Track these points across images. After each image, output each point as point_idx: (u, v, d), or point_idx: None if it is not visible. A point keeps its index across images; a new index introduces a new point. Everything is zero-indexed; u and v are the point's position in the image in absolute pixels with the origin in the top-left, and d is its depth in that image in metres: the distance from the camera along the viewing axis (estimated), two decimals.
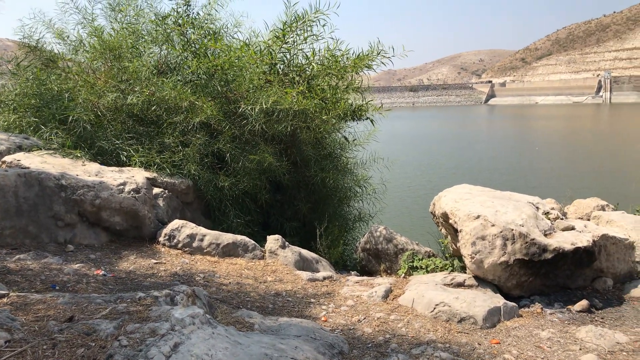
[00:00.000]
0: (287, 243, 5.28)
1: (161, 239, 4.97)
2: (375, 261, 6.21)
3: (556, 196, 6.97)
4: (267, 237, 5.30)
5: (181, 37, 6.31)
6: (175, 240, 4.95)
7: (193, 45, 6.30)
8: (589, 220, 6.28)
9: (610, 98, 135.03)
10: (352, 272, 5.95)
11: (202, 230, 5.06)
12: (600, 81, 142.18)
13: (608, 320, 4.02)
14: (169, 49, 6.81)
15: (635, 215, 6.47)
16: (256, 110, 5.66)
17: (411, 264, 5.59)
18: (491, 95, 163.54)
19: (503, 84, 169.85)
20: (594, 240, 4.43)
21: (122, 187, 4.97)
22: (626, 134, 50.09)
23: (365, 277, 5.04)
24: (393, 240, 6.06)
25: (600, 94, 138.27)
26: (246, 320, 3.36)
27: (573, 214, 6.64)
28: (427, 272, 5.38)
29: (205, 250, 4.95)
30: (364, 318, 3.81)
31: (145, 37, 7.13)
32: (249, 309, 3.80)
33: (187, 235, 4.96)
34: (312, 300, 4.18)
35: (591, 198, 7.03)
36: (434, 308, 3.84)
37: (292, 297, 4.20)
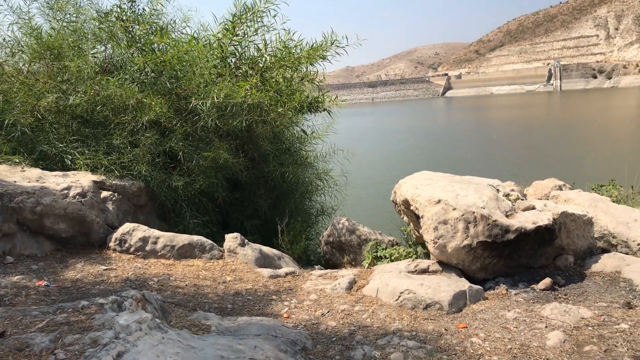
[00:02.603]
0: (246, 241, 5.09)
1: (111, 244, 4.70)
2: (339, 254, 6.09)
3: (515, 179, 7.03)
4: (226, 235, 5.10)
5: (126, 33, 6.00)
6: (126, 245, 4.68)
7: (139, 41, 6.00)
8: (547, 199, 6.34)
9: (560, 86, 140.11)
10: (316, 266, 5.81)
11: (155, 232, 4.81)
12: (550, 70, 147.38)
13: (571, 296, 4.01)
14: (114, 47, 6.48)
15: (591, 193, 6.59)
16: (207, 105, 5.43)
17: (375, 253, 5.50)
18: (448, 87, 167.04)
19: (459, 76, 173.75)
20: (554, 218, 4.43)
21: (66, 191, 4.66)
22: (577, 119, 51.97)
23: (328, 270, 4.90)
24: (356, 231, 5.96)
25: (551, 82, 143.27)
26: (202, 323, 3.16)
27: (532, 195, 6.70)
28: (391, 260, 5.29)
29: (159, 254, 4.71)
30: (328, 311, 3.67)
31: (88, 35, 6.77)
32: (206, 310, 3.60)
33: (140, 239, 4.70)
34: (274, 297, 4.02)
35: (549, 179, 7.12)
36: (399, 296, 3.73)
37: (253, 296, 4.02)
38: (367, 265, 5.39)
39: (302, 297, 4.01)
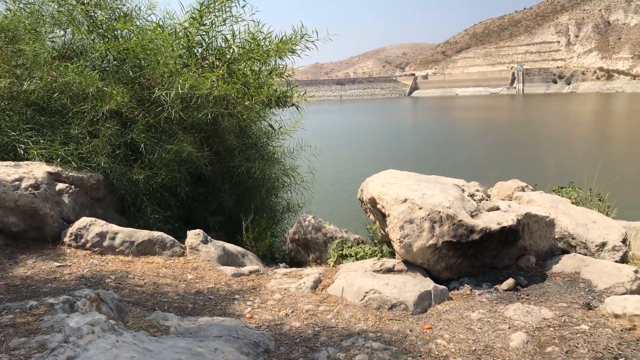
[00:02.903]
0: (209, 238, 4.95)
1: (66, 239, 4.47)
2: (305, 251, 6.01)
3: (479, 180, 7.11)
4: (188, 232, 4.94)
5: (87, 18, 5.72)
6: (82, 240, 4.47)
7: (100, 27, 5.74)
8: (511, 200, 6.44)
9: (523, 89, 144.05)
10: (281, 265, 5.72)
11: (113, 227, 4.62)
12: (513, 73, 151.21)
13: (533, 296, 4.06)
14: (74, 32, 6.19)
15: (552, 195, 6.74)
16: (171, 95, 5.24)
17: (340, 252, 5.45)
18: (414, 87, 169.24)
19: (425, 77, 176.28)
20: (518, 219, 4.48)
21: (17, 183, 4.41)
22: (538, 122, 53.48)
23: (293, 269, 4.82)
24: (322, 229, 5.89)
25: (514, 85, 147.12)
26: (161, 324, 3.03)
27: (496, 196, 6.79)
28: (357, 259, 5.25)
29: (117, 250, 4.51)
30: (292, 311, 3.59)
31: (46, 18, 6.45)
32: (165, 310, 3.46)
33: (97, 234, 4.50)
34: (237, 296, 3.91)
35: (512, 180, 7.24)
36: (364, 296, 3.69)
37: (215, 295, 3.89)
38: (332, 263, 5.33)
39: (266, 297, 3.92)
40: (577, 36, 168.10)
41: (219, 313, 3.54)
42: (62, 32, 6.48)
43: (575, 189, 7.58)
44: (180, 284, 4.07)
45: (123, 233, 4.58)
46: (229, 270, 4.47)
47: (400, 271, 4.25)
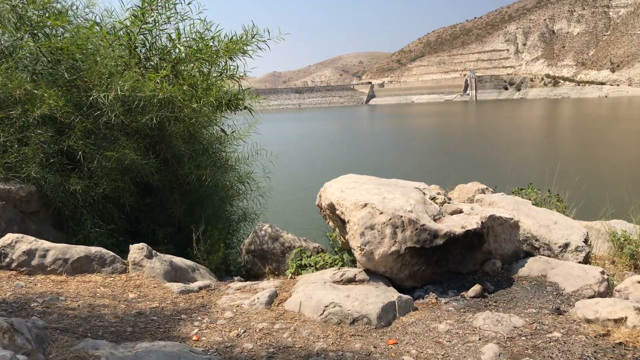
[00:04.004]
0: (154, 252, 4.53)
1: None
2: (261, 263, 5.66)
3: (438, 183, 6.96)
4: (130, 246, 4.51)
5: (12, 14, 5.21)
6: (7, 260, 3.97)
7: (28, 23, 5.24)
8: (472, 203, 6.30)
9: (476, 96, 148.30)
10: (236, 278, 5.35)
11: (44, 244, 4.14)
12: (466, 80, 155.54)
13: (501, 303, 3.86)
14: (3, 31, 5.65)
15: (513, 196, 6.65)
16: (110, 98, 4.81)
17: (299, 262, 5.13)
18: (371, 95, 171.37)
19: (382, 85, 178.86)
20: (482, 222, 4.29)
21: None
22: (492, 126, 54.93)
23: (248, 283, 4.46)
24: (279, 238, 5.56)
25: (468, 92, 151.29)
26: (90, 354, 2.62)
27: (457, 199, 6.65)
28: (317, 269, 4.95)
29: (49, 269, 4.04)
30: (244, 331, 3.24)
31: None
32: (99, 336, 3.05)
33: (24, 252, 4.01)
34: (183, 316, 3.52)
35: (472, 182, 7.13)
36: (324, 310, 3.38)
37: (159, 315, 3.49)
38: (290, 274, 5.01)
39: (216, 315, 3.55)
40: (524, 44, 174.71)
41: (161, 336, 3.15)
42: None
43: (534, 190, 7.55)
44: (119, 305, 3.65)
45: (55, 250, 4.11)
46: (176, 287, 4.07)
47: (362, 281, 3.97)
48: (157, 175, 5.85)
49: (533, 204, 6.54)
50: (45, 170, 5.11)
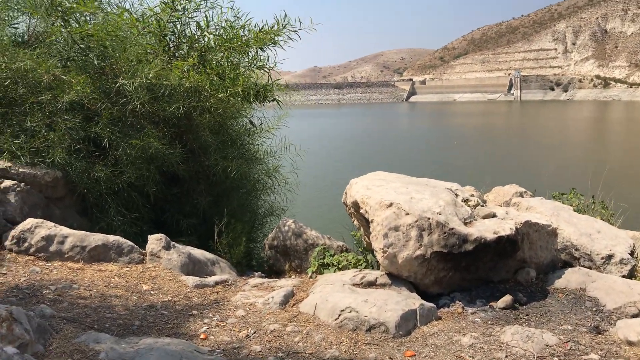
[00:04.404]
0: (173, 243, 4.44)
1: (8, 243, 3.96)
2: (284, 259, 5.51)
3: (475, 185, 6.64)
4: (149, 236, 4.44)
5: None
6: (26, 244, 3.96)
7: (60, 9, 5.23)
8: (509, 207, 5.96)
9: (520, 96, 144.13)
10: (256, 274, 5.22)
11: (63, 230, 4.11)
12: (511, 80, 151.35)
13: (534, 316, 3.58)
14: (37, 17, 5.68)
15: (553, 201, 6.26)
16: (135, 85, 4.74)
17: (322, 260, 4.95)
18: (412, 92, 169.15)
19: (423, 82, 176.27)
20: (516, 228, 3.99)
21: None
22: (536, 127, 53.17)
23: (266, 280, 4.32)
24: (303, 235, 5.39)
25: (512, 91, 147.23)
26: (90, 348, 2.52)
27: (492, 202, 6.31)
28: (339, 269, 4.76)
29: (66, 255, 4.00)
30: (254, 332, 3.09)
31: (12, 3, 5.94)
32: (106, 329, 2.96)
33: (43, 238, 3.98)
34: (194, 312, 3.40)
35: (510, 185, 6.76)
36: (339, 315, 3.19)
37: (169, 310, 3.39)
38: (311, 273, 4.85)
39: (228, 313, 3.41)
40: (574, 44, 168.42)
41: (169, 332, 3.04)
42: (26, 18, 5.99)
43: (577, 195, 7.10)
44: (132, 296, 3.56)
45: (74, 237, 4.07)
46: (191, 280, 3.96)
47: (383, 285, 3.75)
48: (184, 166, 5.78)
49: (575, 211, 6.14)
50: (73, 157, 5.10)
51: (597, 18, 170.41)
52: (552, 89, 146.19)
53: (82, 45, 5.42)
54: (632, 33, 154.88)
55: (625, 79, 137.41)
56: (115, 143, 5.19)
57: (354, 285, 3.71)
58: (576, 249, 4.86)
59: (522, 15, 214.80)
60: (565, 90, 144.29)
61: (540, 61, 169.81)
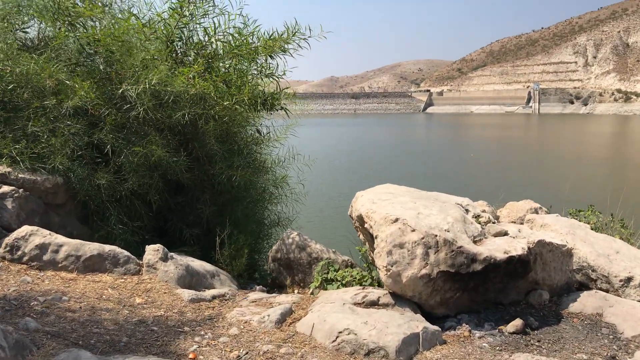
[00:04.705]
0: (171, 254, 4.31)
1: (1, 250, 3.87)
2: (287, 272, 5.35)
3: (489, 199, 6.41)
4: (147, 247, 4.31)
5: (51, 2, 5.17)
6: (19, 253, 3.86)
7: (66, 14, 5.18)
8: (522, 224, 5.73)
9: (539, 109, 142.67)
10: (257, 287, 5.06)
11: (58, 239, 4.00)
12: (530, 92, 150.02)
13: (545, 343, 3.36)
14: (45, 21, 5.65)
15: (569, 219, 6.00)
16: (138, 91, 4.65)
17: (325, 275, 4.78)
18: (429, 103, 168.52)
19: (440, 93, 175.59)
20: (529, 247, 3.78)
21: None
22: (555, 142, 52.41)
23: (265, 295, 4.16)
24: (307, 248, 5.23)
25: (530, 104, 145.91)
26: None
27: (506, 218, 6.08)
28: (343, 285, 4.58)
29: (60, 265, 3.90)
30: (246, 353, 2.92)
31: (21, 7, 5.93)
32: (91, 345, 2.82)
33: (37, 246, 3.88)
34: (186, 328, 3.25)
35: (524, 200, 6.51)
36: (337, 337, 3.01)
37: (160, 326, 3.24)
38: (314, 288, 4.68)
39: (221, 331, 3.25)
40: (595, 57, 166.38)
41: (156, 350, 2.89)
42: (37, 23, 5.97)
43: (595, 213, 6.82)
44: (123, 310, 3.43)
45: (69, 246, 3.96)
46: (187, 294, 3.82)
47: (385, 305, 3.56)
48: (188, 174, 5.68)
49: (592, 229, 5.88)
50: (75, 163, 5.03)
51: (618, 31, 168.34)
52: (572, 102, 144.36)
53: (89, 51, 5.37)
54: None
55: None
56: (118, 150, 5.11)
57: (355, 304, 3.53)
58: (593, 270, 4.61)
59: (542, 28, 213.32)
60: (585, 104, 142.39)
61: (559, 74, 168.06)
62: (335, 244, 5.98)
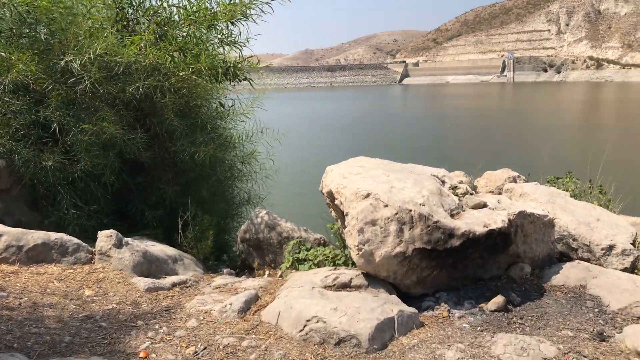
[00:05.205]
0: (126, 240, 3.96)
1: None
2: (257, 254, 5.06)
3: (466, 169, 6.18)
4: (99, 233, 3.96)
5: None
6: None
7: None
8: (500, 194, 5.52)
9: (513, 77, 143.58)
10: (225, 270, 4.77)
11: None
12: (504, 61, 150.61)
13: (529, 320, 3.15)
14: None
15: (548, 187, 5.82)
16: (82, 61, 4.22)
17: (297, 255, 4.51)
18: (405, 75, 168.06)
19: (416, 64, 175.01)
20: (509, 220, 3.55)
21: None
22: (529, 109, 52.79)
23: (230, 280, 3.87)
24: (277, 227, 4.94)
25: (505, 73, 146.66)
26: None
27: (484, 188, 5.87)
28: (315, 264, 4.32)
29: (0, 257, 3.52)
30: (204, 348, 2.64)
31: None
32: (28, 347, 2.50)
33: None
34: (140, 322, 2.94)
35: (502, 169, 6.30)
36: (304, 326, 2.74)
37: (110, 321, 2.92)
38: (285, 269, 4.41)
39: (178, 324, 2.96)
40: (567, 25, 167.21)
41: (102, 350, 2.58)
42: None
43: (572, 179, 6.67)
44: (69, 305, 3.10)
45: (9, 235, 3.58)
46: (143, 283, 3.50)
47: (358, 287, 3.30)
48: (148, 152, 5.29)
49: (571, 196, 5.73)
50: (20, 144, 4.61)
51: None
52: (545, 71, 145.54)
53: (29, 19, 4.86)
54: (625, 14, 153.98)
55: (618, 59, 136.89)
56: (67, 128, 4.68)
57: (325, 287, 3.26)
58: (574, 239, 4.43)
59: None
60: (558, 72, 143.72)
61: (533, 42, 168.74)
62: (308, 221, 5.69)
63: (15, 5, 4.69)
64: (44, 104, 4.71)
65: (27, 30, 4.97)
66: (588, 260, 4.29)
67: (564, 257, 4.40)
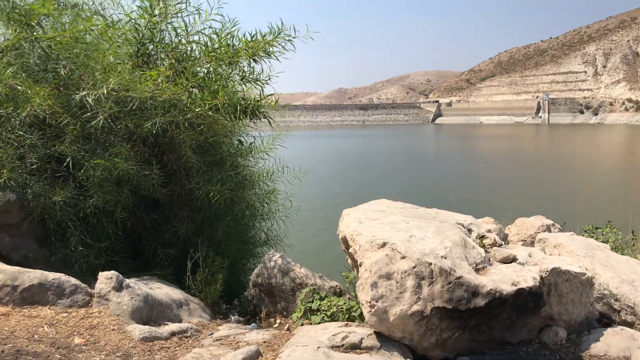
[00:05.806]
0: (127, 282, 3.75)
1: None
2: (269, 300, 4.78)
3: (497, 214, 5.81)
4: (99, 274, 3.77)
5: (6, 2, 4.69)
6: None
7: (22, 13, 4.69)
8: (532, 243, 5.14)
9: (548, 119, 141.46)
10: (233, 317, 4.50)
11: None
12: (539, 102, 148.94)
13: None
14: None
15: (586, 238, 5.38)
16: (95, 97, 4.15)
17: (310, 304, 4.21)
18: (438, 114, 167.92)
19: (449, 104, 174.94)
20: (541, 277, 3.19)
21: None
22: (566, 153, 51.46)
23: (234, 331, 3.59)
24: (290, 272, 4.66)
25: (540, 114, 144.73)
26: None
27: (515, 236, 5.48)
28: (328, 316, 4.01)
29: None
30: None
31: None
32: None
33: None
34: None
35: (535, 216, 5.90)
36: None
37: None
38: (296, 319, 4.12)
39: None
40: (604, 66, 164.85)
41: None
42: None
43: (613, 230, 6.19)
44: (54, 355, 2.87)
45: (4, 274, 3.43)
46: (139, 331, 3.25)
47: (369, 348, 2.97)
48: (164, 189, 5.15)
49: (612, 249, 5.27)
50: (34, 178, 4.53)
51: (628, 40, 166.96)
52: (582, 112, 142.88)
53: (50, 54, 4.88)
54: None
55: None
56: (81, 163, 4.60)
57: (332, 347, 2.95)
58: (616, 299, 4.01)
59: (551, 38, 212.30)
60: (596, 114, 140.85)
61: (569, 84, 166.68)
62: (326, 266, 5.41)
63: (37, 39, 4.71)
64: (60, 139, 4.66)
65: (51, 66, 5.00)
66: (632, 324, 3.85)
67: (604, 319, 3.97)
